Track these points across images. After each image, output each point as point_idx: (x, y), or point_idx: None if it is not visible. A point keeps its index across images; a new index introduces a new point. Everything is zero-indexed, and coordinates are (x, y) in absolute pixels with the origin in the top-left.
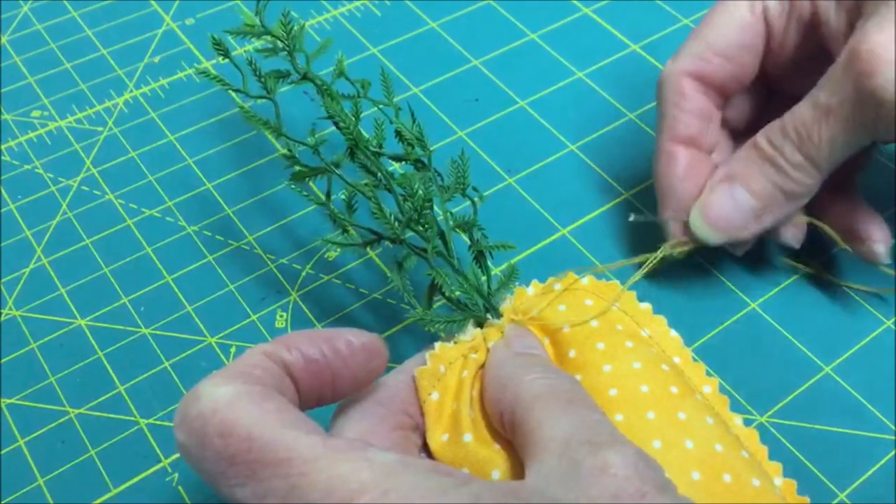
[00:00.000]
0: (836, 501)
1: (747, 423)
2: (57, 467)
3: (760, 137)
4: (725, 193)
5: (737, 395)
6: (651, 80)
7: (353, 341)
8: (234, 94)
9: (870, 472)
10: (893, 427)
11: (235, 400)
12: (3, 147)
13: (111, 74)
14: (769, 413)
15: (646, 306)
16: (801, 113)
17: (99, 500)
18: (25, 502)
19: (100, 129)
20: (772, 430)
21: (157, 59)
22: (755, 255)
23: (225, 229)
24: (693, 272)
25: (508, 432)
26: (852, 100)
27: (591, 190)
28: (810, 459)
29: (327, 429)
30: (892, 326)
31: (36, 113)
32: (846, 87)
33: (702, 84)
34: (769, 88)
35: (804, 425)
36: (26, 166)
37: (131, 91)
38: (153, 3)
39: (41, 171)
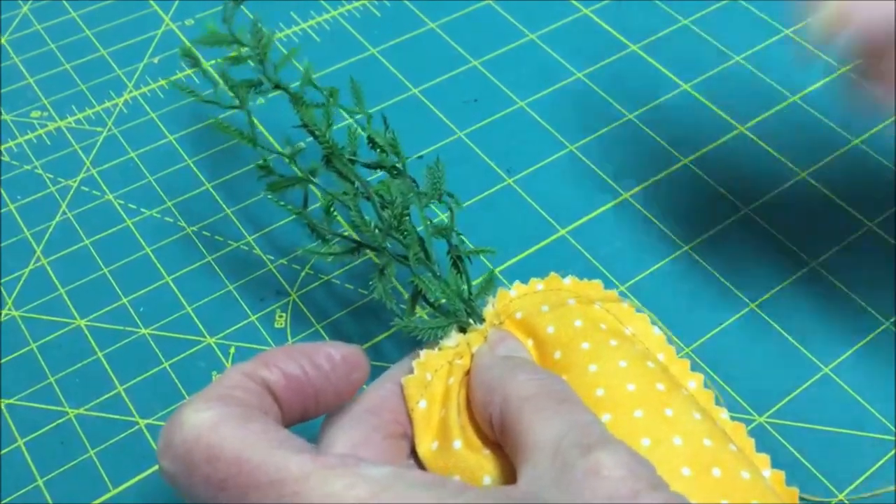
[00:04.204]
0: (835, 501)
1: (745, 423)
2: (56, 467)
3: None
4: None
5: (736, 396)
6: (651, 80)
7: (334, 354)
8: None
9: (870, 472)
10: (893, 427)
11: (219, 423)
12: (2, 147)
13: (111, 75)
14: (769, 413)
15: (627, 305)
16: None
17: (98, 501)
18: (25, 502)
19: (99, 129)
20: (771, 430)
21: (156, 60)
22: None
23: (224, 229)
24: (692, 272)
25: (498, 435)
26: None
27: (590, 190)
28: (810, 459)
29: (316, 440)
30: (892, 327)
31: (35, 113)
32: None
33: None
34: None
35: (804, 425)
36: (26, 167)
37: (131, 91)
38: (153, 3)
39: (41, 171)
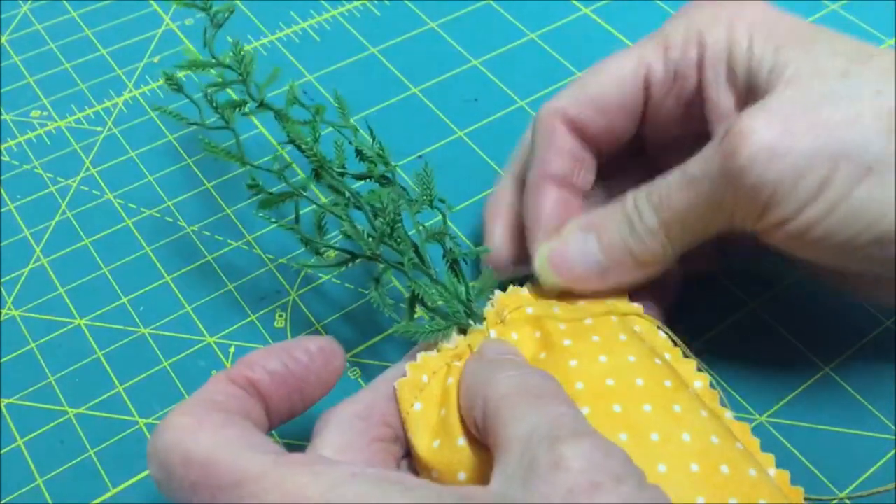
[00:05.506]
0: (835, 501)
1: (747, 422)
2: (56, 467)
3: (629, 194)
4: (577, 239)
5: (737, 395)
6: None
7: (311, 347)
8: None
9: (870, 472)
10: (893, 427)
11: (196, 428)
12: (2, 147)
13: (111, 74)
14: (769, 413)
15: (637, 305)
16: (668, 178)
17: (98, 500)
18: (24, 502)
19: (99, 128)
20: (772, 430)
21: (156, 59)
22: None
23: (224, 229)
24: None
25: (483, 438)
26: (715, 175)
27: None
28: (810, 459)
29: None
30: (892, 326)
31: (35, 113)
32: (713, 162)
33: (575, 129)
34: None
35: (804, 425)
36: (26, 166)
37: (131, 91)
38: (153, 3)
39: (40, 170)
